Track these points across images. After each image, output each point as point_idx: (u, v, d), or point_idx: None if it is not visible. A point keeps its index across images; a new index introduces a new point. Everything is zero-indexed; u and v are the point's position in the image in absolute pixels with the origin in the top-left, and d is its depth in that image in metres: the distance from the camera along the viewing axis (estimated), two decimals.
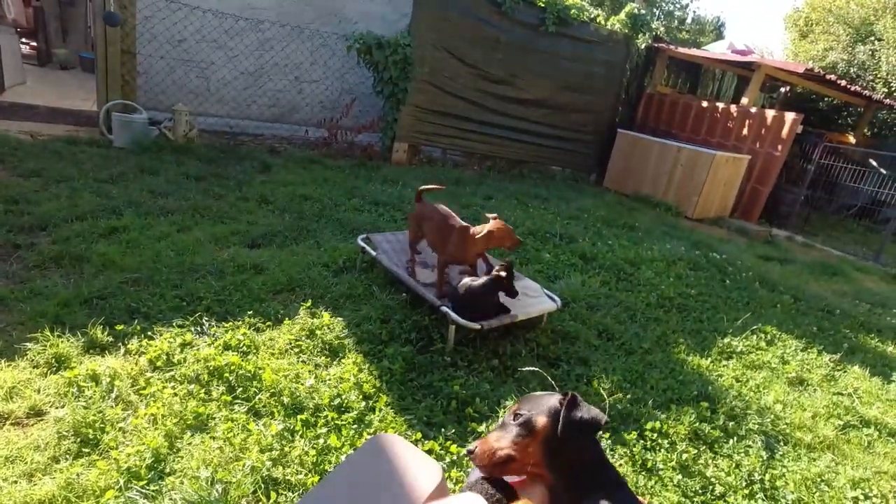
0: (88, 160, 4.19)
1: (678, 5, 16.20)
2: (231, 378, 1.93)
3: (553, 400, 0.93)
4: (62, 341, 1.96)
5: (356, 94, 6.85)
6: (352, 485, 0.73)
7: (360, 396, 1.96)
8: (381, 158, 6.30)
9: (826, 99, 9.93)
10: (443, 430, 1.86)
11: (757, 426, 2.22)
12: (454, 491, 1.60)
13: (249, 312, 2.39)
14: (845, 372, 2.96)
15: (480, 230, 2.44)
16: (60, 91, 7.02)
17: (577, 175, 7.85)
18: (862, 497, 1.95)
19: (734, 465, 1.97)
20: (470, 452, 0.86)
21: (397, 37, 5.87)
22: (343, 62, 6.72)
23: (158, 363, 1.97)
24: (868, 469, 2.12)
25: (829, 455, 2.17)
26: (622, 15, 7.45)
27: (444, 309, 2.34)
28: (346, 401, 1.92)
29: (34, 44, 9.36)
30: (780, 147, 6.52)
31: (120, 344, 2.04)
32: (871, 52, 10.77)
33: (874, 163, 7.85)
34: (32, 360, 1.87)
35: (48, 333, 1.98)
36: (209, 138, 5.67)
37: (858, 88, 8.16)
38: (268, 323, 2.36)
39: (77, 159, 4.17)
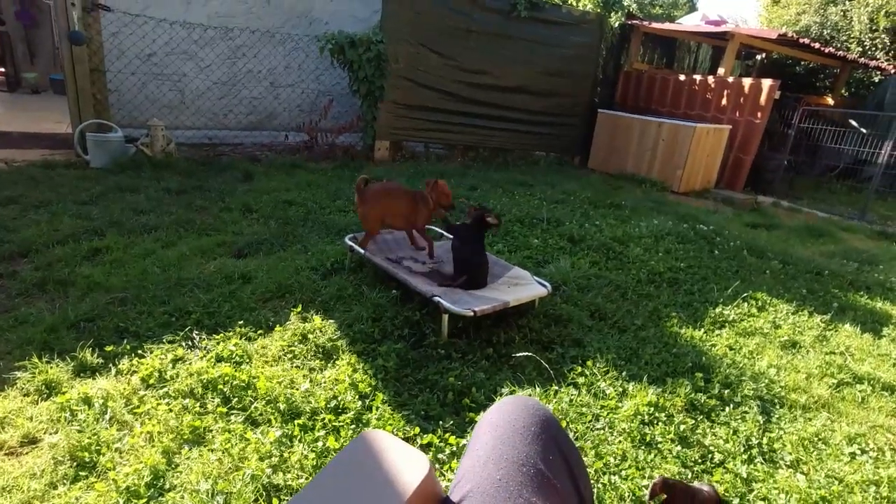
0: (66, 183, 4.14)
1: None
2: (225, 389, 1.92)
3: None
4: (51, 367, 1.94)
5: (333, 94, 6.81)
6: (338, 484, 0.73)
7: (357, 396, 1.96)
8: (364, 158, 6.27)
9: (802, 63, 9.99)
10: (440, 422, 1.86)
11: (752, 392, 2.25)
12: (446, 481, 1.60)
13: (240, 322, 2.38)
14: (836, 331, 3.00)
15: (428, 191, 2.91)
16: (33, 115, 6.92)
17: (560, 159, 7.86)
18: (859, 451, 1.98)
19: (731, 431, 1.99)
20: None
21: (369, 34, 5.83)
22: (317, 64, 6.67)
23: (151, 381, 1.96)
24: (863, 424, 2.15)
25: (824, 414, 2.20)
26: None
27: (437, 298, 2.34)
28: (342, 402, 1.92)
29: (2, 69, 9.21)
30: (759, 114, 6.56)
31: (110, 365, 2.02)
32: (842, 13, 10.82)
33: (854, 123, 7.93)
34: (22, 389, 1.85)
35: (36, 360, 1.95)
36: (188, 151, 5.61)
37: (833, 50, 8.22)
38: (259, 331, 2.35)
39: (54, 183, 4.11)
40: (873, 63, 8.78)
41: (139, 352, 2.11)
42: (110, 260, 2.88)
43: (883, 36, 10.16)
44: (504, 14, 6.63)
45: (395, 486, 0.73)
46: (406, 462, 0.77)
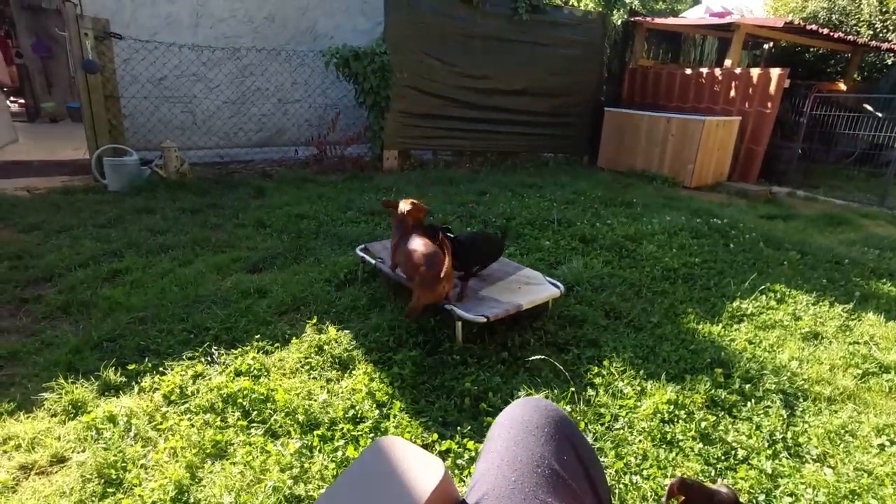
0: (86, 208, 4.25)
1: None
2: (245, 403, 1.95)
3: None
4: (77, 387, 2.00)
5: (340, 107, 6.89)
6: (354, 492, 0.74)
7: (374, 405, 1.97)
8: (373, 168, 6.33)
9: (811, 50, 9.84)
10: (458, 428, 1.87)
11: (774, 385, 2.21)
12: (465, 486, 1.60)
13: (257, 336, 2.41)
14: (860, 320, 2.93)
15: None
16: (52, 143, 7.13)
17: (569, 159, 7.84)
18: (888, 443, 1.93)
19: (754, 427, 1.96)
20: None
21: (373, 46, 5.90)
22: (323, 78, 6.76)
23: (172, 397, 2.00)
24: (892, 414, 2.10)
25: (850, 405, 2.15)
26: None
27: (449, 306, 2.35)
28: (360, 411, 1.94)
29: (22, 101, 9.52)
30: (769, 104, 6.47)
31: (133, 383, 2.07)
32: None
33: (869, 107, 7.77)
34: (50, 410, 1.90)
35: (63, 381, 2.01)
36: (201, 171, 5.72)
37: (842, 35, 8.08)
38: (276, 344, 2.38)
39: (75, 208, 4.23)
40: (885, 46, 8.60)
41: (160, 369, 2.16)
42: (130, 280, 2.95)
43: (894, 17, 9.96)
44: (506, 18, 6.67)
45: (410, 491, 0.74)
46: (421, 467, 0.78)
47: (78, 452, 1.72)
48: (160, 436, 1.81)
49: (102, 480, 1.60)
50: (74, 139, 7.17)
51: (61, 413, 1.89)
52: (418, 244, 2.39)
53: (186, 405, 1.95)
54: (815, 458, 1.83)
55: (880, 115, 7.16)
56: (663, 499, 0.92)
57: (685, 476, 1.37)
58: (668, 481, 1.66)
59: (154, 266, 3.17)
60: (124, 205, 4.36)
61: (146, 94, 6.00)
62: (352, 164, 6.29)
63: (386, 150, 6.37)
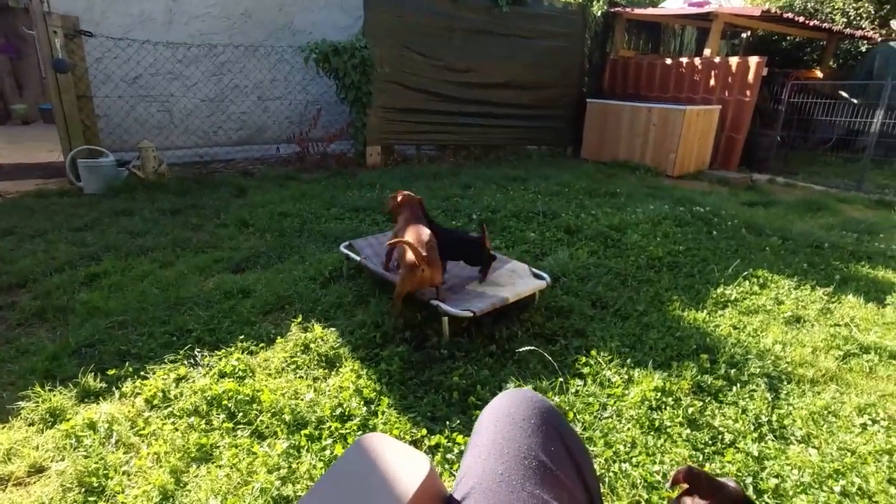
0: (61, 211, 4.15)
1: None
2: (230, 405, 1.92)
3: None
4: (55, 395, 1.94)
5: (321, 103, 6.80)
6: (337, 491, 0.72)
7: (362, 402, 1.95)
8: (356, 164, 6.27)
9: (788, 38, 9.97)
10: (447, 422, 1.86)
11: (759, 369, 2.24)
12: (452, 479, 1.59)
13: (241, 337, 2.37)
14: (840, 303, 2.98)
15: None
16: (25, 146, 6.94)
17: (553, 151, 7.85)
18: (870, 422, 1.97)
19: (740, 411, 1.98)
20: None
21: (353, 40, 5.82)
22: (303, 74, 6.67)
23: (155, 401, 1.95)
24: (873, 394, 2.14)
25: (832, 386, 2.18)
26: None
27: (435, 302, 2.33)
28: (347, 409, 1.91)
29: None
30: (748, 92, 6.54)
31: (114, 388, 2.02)
32: None
33: (845, 94, 7.91)
34: (27, 419, 1.85)
35: (39, 389, 1.95)
36: (180, 171, 5.61)
37: (818, 23, 8.20)
38: (261, 344, 2.34)
39: (49, 212, 4.12)
40: (859, 33, 8.76)
41: (142, 373, 2.11)
42: (108, 284, 2.88)
43: (867, 5, 10.13)
44: (486, 11, 6.63)
45: (395, 488, 0.72)
46: (406, 463, 0.76)
47: (57, 461, 1.67)
48: (143, 441, 1.77)
49: (83, 489, 1.56)
50: (48, 141, 6.98)
51: (39, 422, 1.83)
52: (410, 232, 2.40)
53: (169, 409, 1.91)
54: (799, 439, 1.86)
55: (856, 101, 7.30)
56: (667, 486, 0.91)
57: (692, 465, 1.38)
58: (657, 468, 1.67)
59: (133, 269, 3.10)
60: (101, 207, 4.26)
61: (121, 94, 5.86)
62: (335, 160, 6.22)
63: (369, 146, 6.31)
